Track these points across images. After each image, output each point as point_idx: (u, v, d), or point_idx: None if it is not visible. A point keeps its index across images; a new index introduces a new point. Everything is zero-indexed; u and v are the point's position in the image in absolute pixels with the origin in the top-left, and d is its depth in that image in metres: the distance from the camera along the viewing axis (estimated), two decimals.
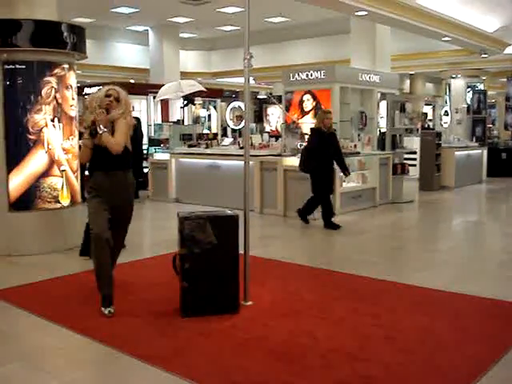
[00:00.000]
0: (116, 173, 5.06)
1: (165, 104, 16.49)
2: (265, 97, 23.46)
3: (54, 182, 7.22)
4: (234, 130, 18.43)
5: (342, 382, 3.58)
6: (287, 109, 11.38)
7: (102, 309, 4.84)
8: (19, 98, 6.99)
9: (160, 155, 12.46)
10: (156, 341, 4.27)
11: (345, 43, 16.23)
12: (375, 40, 14.07)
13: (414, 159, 14.49)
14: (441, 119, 19.14)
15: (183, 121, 15.86)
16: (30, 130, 6.99)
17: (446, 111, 19.46)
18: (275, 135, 17.09)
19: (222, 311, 4.76)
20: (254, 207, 10.05)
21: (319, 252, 7.50)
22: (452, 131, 17.62)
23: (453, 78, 22.45)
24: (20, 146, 7.02)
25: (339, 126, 10.64)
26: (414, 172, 14.03)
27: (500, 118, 26.44)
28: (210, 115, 19.81)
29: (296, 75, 11.28)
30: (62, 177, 7.28)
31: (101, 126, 4.89)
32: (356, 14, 12.17)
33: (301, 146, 10.47)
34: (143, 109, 16.40)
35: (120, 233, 5.28)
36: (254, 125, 20.10)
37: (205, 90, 14.56)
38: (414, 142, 14.48)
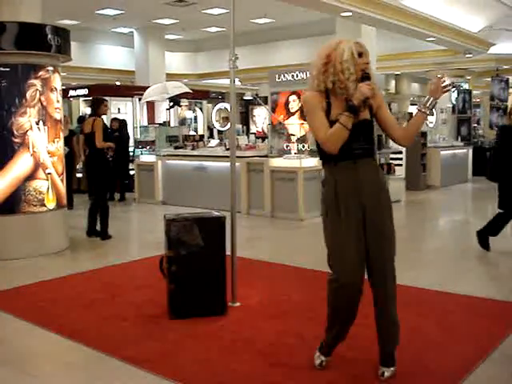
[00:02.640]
0: (368, 161, 3.48)
1: (150, 106, 16.47)
2: (251, 98, 23.48)
3: (40, 185, 7.18)
4: (220, 132, 18.42)
5: (330, 382, 3.59)
6: (273, 110, 11.38)
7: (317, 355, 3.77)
8: (3, 100, 6.94)
9: (146, 157, 12.43)
10: (144, 343, 4.26)
11: None
12: (360, 41, 14.09)
13: (400, 159, 14.52)
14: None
15: (169, 122, 15.84)
16: (15, 133, 6.95)
17: None
18: (261, 136, 17.08)
19: (209, 313, 4.75)
20: (241, 208, 10.04)
21: (307, 252, 7.50)
22: (437, 131, 17.70)
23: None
24: (5, 149, 6.97)
25: None
26: (400, 172, 14.05)
27: (485, 118, 26.58)
28: (196, 117, 19.80)
29: (282, 76, 11.27)
30: (48, 180, 7.24)
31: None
32: (341, 14, 12.20)
33: (287, 147, 10.49)
34: (129, 111, 16.35)
35: (379, 261, 3.50)
36: (240, 126, 20.14)
37: (191, 91, 14.54)
38: None
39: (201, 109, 19.59)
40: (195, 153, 11.74)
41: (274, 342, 4.24)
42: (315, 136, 3.42)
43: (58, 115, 7.40)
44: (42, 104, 7.10)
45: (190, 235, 4.67)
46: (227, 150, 10.84)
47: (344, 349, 4.06)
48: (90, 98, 12.59)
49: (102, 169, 8.20)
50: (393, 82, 24.94)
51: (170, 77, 19.66)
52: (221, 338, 4.35)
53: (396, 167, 12.60)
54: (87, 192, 8.33)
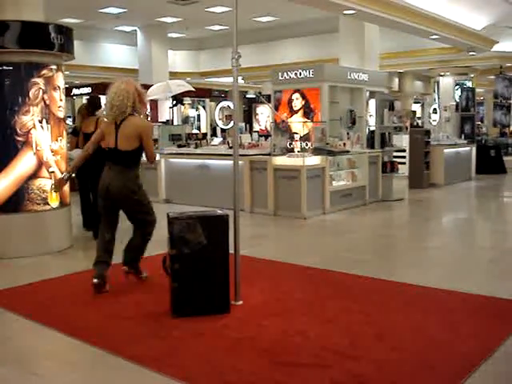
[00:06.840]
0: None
1: (154, 104, 16.48)
2: (254, 96, 23.47)
3: (43, 183, 7.18)
4: (223, 130, 18.43)
5: (334, 380, 3.58)
6: (276, 108, 11.38)
7: None
8: (7, 99, 6.93)
9: None
10: (147, 342, 4.26)
11: (333, 42, 16.26)
12: (364, 39, 14.11)
13: (404, 157, 14.52)
14: (429, 117, 19.22)
15: (172, 121, 15.85)
16: (18, 131, 6.95)
17: (434, 109, 19.54)
18: (264, 134, 17.09)
19: (213, 311, 4.75)
20: (244, 207, 10.03)
21: (310, 251, 7.50)
22: (441, 129, 17.68)
23: (441, 75, 22.53)
24: (8, 147, 6.97)
25: (329, 124, 10.66)
26: (404, 170, 14.06)
27: (488, 116, 26.59)
28: (199, 115, 19.82)
29: (285, 74, 11.27)
30: (51, 178, 7.24)
31: None
32: (344, 12, 12.20)
33: (290, 144, 10.47)
34: None
35: None
36: (243, 124, 20.16)
37: (193, 89, 14.54)
38: (403, 140, 14.50)
39: (204, 107, 19.60)
40: (198, 151, 11.74)
41: (277, 340, 4.24)
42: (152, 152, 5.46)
43: (61, 114, 7.40)
44: (45, 103, 7.10)
45: (193, 234, 4.67)
46: (230, 148, 10.84)
47: (347, 347, 4.07)
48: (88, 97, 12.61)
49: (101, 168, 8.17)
50: (396, 80, 24.88)
51: (173, 75, 19.71)
52: (224, 336, 4.34)
53: (399, 165, 12.60)
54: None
